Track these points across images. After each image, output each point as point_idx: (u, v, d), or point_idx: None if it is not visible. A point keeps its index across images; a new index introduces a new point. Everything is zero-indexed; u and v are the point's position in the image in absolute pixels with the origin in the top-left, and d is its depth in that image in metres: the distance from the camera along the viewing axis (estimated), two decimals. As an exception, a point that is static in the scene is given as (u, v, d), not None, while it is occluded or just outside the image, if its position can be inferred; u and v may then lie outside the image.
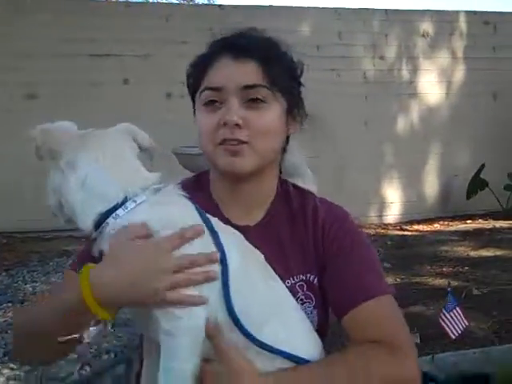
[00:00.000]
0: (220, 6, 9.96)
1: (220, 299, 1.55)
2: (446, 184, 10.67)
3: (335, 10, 10.27)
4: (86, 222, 1.64)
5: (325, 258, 1.86)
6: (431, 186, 10.62)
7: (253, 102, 1.78)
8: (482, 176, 10.11)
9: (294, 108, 1.88)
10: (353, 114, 10.10)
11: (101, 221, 1.62)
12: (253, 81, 1.77)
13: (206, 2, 20.54)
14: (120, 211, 1.61)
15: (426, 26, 10.56)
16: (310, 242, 1.88)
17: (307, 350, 1.68)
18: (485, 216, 10.27)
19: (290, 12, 10.04)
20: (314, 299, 1.85)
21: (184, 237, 1.56)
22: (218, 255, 1.58)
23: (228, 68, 1.79)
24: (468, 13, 10.76)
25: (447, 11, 10.75)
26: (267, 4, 10.14)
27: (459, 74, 10.80)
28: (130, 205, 1.61)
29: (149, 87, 9.41)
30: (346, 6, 10.35)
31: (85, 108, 8.39)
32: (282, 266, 1.78)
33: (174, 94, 9.48)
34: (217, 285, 1.55)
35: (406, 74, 10.44)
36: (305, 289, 1.85)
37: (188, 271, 1.53)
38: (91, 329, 1.56)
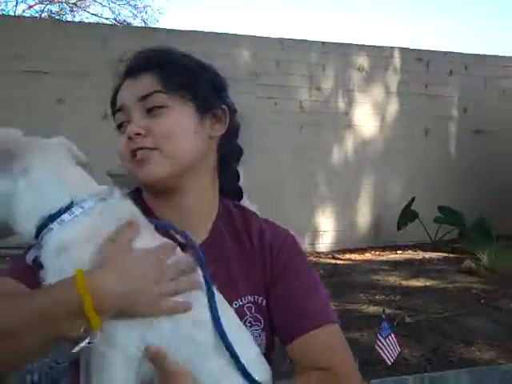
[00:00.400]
0: (155, 29, 9.91)
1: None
2: (377, 215, 10.86)
3: (274, 39, 10.39)
4: (28, 226, 1.56)
5: (272, 282, 1.83)
6: (363, 216, 10.77)
7: (153, 111, 1.75)
8: (412, 208, 10.31)
9: (207, 108, 1.82)
10: (288, 143, 10.20)
11: (43, 226, 1.54)
12: (147, 90, 1.75)
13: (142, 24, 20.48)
14: (66, 216, 1.54)
15: (362, 60, 10.79)
16: (258, 265, 1.84)
17: (259, 373, 1.61)
18: (414, 247, 10.48)
19: (229, 38, 10.12)
20: (262, 322, 1.80)
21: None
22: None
23: (126, 87, 1.79)
24: (402, 49, 11.08)
25: (383, 47, 11.05)
26: (206, 30, 10.14)
27: (393, 108, 11.07)
28: (76, 210, 1.54)
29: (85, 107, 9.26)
30: (285, 37, 10.44)
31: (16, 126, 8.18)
32: (229, 287, 1.72)
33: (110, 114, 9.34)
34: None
35: (341, 105, 10.64)
36: (253, 311, 1.79)
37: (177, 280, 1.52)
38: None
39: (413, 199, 10.28)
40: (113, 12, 21.41)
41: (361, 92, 10.77)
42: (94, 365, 1.45)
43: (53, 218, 1.53)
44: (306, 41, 10.58)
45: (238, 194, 2.08)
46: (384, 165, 10.76)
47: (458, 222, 10.36)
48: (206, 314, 1.55)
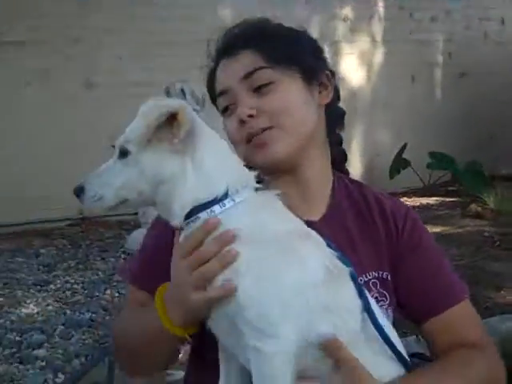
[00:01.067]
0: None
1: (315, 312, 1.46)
2: (368, 164, 10.85)
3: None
4: (180, 211, 1.52)
5: (399, 255, 1.80)
6: (354, 166, 10.74)
7: (260, 89, 1.72)
8: (404, 156, 10.35)
9: (313, 76, 1.80)
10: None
11: (193, 212, 1.51)
12: (250, 67, 1.72)
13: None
14: (216, 208, 1.51)
15: (347, 11, 10.66)
16: (382, 237, 1.81)
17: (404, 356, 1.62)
18: (408, 194, 10.54)
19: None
20: (388, 297, 1.78)
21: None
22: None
23: (225, 68, 1.76)
24: (385, -3, 10.97)
25: (365, -4, 10.90)
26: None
27: (379, 57, 10.99)
28: (228, 203, 1.51)
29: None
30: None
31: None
32: (353, 262, 1.64)
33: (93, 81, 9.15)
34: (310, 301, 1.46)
35: (328, 56, 10.48)
36: (378, 286, 1.77)
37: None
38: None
39: (404, 146, 10.28)
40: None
41: (347, 43, 10.67)
42: (252, 362, 1.43)
43: (204, 207, 1.51)
44: (288, -6, 10.38)
45: (344, 157, 2.07)
46: (373, 114, 10.74)
47: (450, 166, 10.42)
48: (356, 301, 1.54)
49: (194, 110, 5.92)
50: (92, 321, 5.31)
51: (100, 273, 6.56)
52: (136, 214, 8.73)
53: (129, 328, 1.78)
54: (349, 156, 2.09)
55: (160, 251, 1.69)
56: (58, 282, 6.30)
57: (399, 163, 10.39)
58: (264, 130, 1.70)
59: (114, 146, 1.54)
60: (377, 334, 1.54)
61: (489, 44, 11.65)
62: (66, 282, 6.31)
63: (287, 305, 1.42)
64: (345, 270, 1.55)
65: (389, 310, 1.78)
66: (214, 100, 1.86)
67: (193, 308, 1.51)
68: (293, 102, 1.74)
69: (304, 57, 1.80)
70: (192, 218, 1.51)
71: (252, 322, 1.41)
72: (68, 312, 5.51)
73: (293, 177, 1.78)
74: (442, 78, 11.46)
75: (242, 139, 1.73)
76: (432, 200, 9.91)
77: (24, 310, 5.55)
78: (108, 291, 5.99)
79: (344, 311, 1.51)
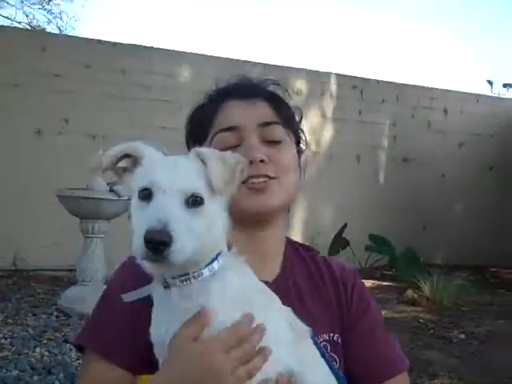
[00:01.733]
0: (99, 41, 9.59)
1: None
2: (309, 241, 10.82)
3: (214, 57, 10.29)
4: (203, 268, 1.46)
5: (349, 319, 1.83)
6: (294, 240, 10.76)
7: (272, 142, 1.76)
8: (344, 236, 10.43)
9: (298, 142, 1.89)
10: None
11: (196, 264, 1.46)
12: (268, 118, 1.77)
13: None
14: (215, 264, 1.48)
15: (300, 84, 10.86)
16: (333, 300, 1.84)
17: None
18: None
19: (172, 55, 9.94)
20: (338, 361, 1.78)
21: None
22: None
23: (241, 108, 1.78)
24: (338, 75, 11.23)
25: (320, 71, 11.17)
26: (149, 45, 9.95)
27: (328, 133, 11.22)
28: (215, 265, 1.48)
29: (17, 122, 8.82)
30: (225, 56, 10.38)
31: None
32: (307, 324, 1.64)
33: (43, 130, 9.01)
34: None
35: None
36: (329, 350, 1.77)
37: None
38: None
39: (344, 225, 10.40)
40: (27, 16, 20.51)
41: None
42: None
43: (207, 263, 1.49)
44: (248, 62, 10.54)
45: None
46: (316, 191, 10.83)
47: (388, 251, 10.57)
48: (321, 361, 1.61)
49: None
50: (19, 379, 5.01)
51: (30, 329, 6.24)
52: (70, 270, 8.51)
53: None
54: (289, 233, 2.13)
55: (137, 317, 1.59)
56: (-15, 335, 5.98)
57: (339, 243, 10.47)
58: (268, 178, 1.72)
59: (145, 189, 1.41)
60: None
61: (431, 132, 12.01)
62: (-6, 335, 5.99)
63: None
64: (307, 331, 1.59)
65: (340, 373, 1.75)
66: (191, 127, 1.86)
67: None
68: (293, 164, 1.81)
69: (295, 122, 1.89)
70: (195, 273, 1.45)
71: None
72: (-6, 368, 5.19)
73: (260, 233, 1.79)
74: (386, 161, 11.77)
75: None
76: (369, 282, 9.95)
77: None
78: (37, 349, 5.69)
79: (310, 370, 1.54)
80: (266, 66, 10.67)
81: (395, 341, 1.88)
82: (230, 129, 1.75)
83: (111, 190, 6.96)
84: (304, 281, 1.84)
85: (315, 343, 1.61)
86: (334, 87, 11.17)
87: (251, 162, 1.67)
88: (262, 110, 1.77)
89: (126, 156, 1.48)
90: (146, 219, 1.33)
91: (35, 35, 11.34)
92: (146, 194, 1.40)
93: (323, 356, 1.62)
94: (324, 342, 1.74)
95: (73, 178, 7.66)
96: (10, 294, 7.64)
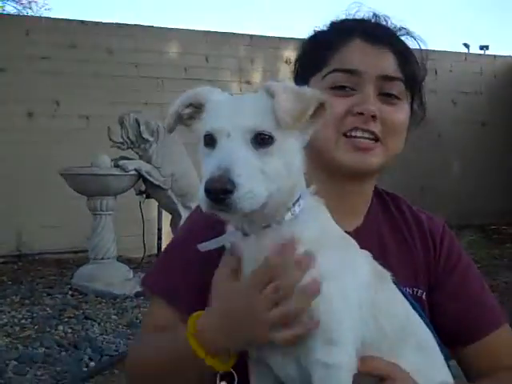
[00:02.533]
0: (82, 21, 9.40)
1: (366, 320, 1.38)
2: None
3: (203, 32, 10.16)
4: (289, 207, 1.36)
5: (437, 274, 1.73)
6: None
7: (387, 97, 1.62)
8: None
9: (412, 107, 1.73)
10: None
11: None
12: (393, 72, 1.63)
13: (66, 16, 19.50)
14: (296, 207, 1.38)
15: (289, 53, 10.76)
16: (420, 253, 1.74)
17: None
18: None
19: (157, 32, 9.82)
20: (423, 316, 1.65)
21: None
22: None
23: (365, 53, 1.62)
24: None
25: (308, 40, 11.03)
26: (134, 23, 9.77)
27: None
28: (297, 208, 1.37)
29: (7, 105, 8.65)
30: (213, 30, 10.26)
31: None
32: None
33: (35, 113, 8.86)
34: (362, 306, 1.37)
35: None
36: None
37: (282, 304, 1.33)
38: None
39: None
40: (-5, 7, 20.11)
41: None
42: (318, 377, 1.31)
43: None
44: (233, 34, 10.43)
45: None
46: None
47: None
48: (401, 305, 1.50)
49: (148, 141, 5.71)
50: (47, 356, 4.93)
51: (48, 308, 6.18)
52: (74, 252, 8.42)
53: (150, 356, 1.60)
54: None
55: (204, 265, 1.51)
56: (4, 316, 5.90)
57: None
58: (373, 135, 1.60)
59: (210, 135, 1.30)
60: (425, 338, 1.51)
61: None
62: (13, 316, 5.91)
63: (352, 315, 1.34)
64: (388, 275, 1.49)
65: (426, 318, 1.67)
66: (304, 54, 1.74)
67: (256, 342, 1.37)
68: (404, 127, 1.68)
69: (419, 85, 1.75)
70: (278, 218, 1.35)
71: (325, 334, 1.31)
72: (20, 347, 5.11)
73: (355, 187, 1.70)
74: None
75: (339, 127, 1.60)
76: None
77: (-30, 344, 5.13)
78: (60, 327, 5.64)
79: (389, 315, 1.44)
80: (253, 37, 10.56)
81: (490, 293, 1.77)
82: (348, 71, 1.61)
83: (116, 166, 6.87)
84: (388, 234, 1.75)
85: (398, 289, 1.52)
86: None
87: (361, 114, 1.57)
88: (388, 61, 1.63)
89: (190, 105, 1.38)
90: (209, 168, 1.22)
91: (17, 19, 11.09)
92: (211, 140, 1.28)
93: (407, 299, 1.53)
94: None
95: (72, 158, 7.58)
96: (19, 277, 7.56)
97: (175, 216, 7.36)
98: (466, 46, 13.67)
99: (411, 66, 1.67)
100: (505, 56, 13.11)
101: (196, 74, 9.88)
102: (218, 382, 1.44)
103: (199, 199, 1.22)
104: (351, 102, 1.59)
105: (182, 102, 1.37)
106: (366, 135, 1.59)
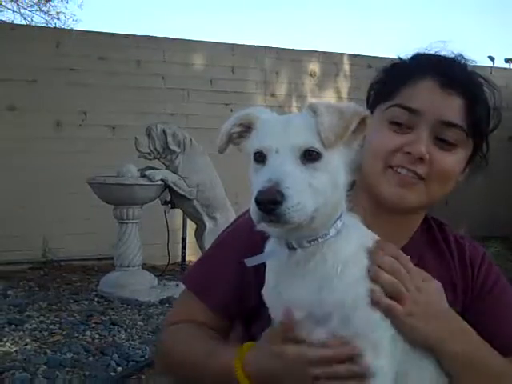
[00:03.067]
0: (112, 34, 9.56)
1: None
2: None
3: (229, 45, 10.27)
4: (334, 223, 1.44)
5: (472, 299, 1.77)
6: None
7: (442, 141, 1.65)
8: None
9: (476, 156, 1.77)
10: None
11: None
12: (454, 119, 1.64)
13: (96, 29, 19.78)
14: (339, 223, 1.47)
15: (314, 66, 10.85)
16: (459, 278, 1.78)
17: None
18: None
19: (184, 45, 9.94)
20: None
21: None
22: None
23: (432, 94, 1.65)
24: (351, 56, 11.20)
25: (333, 53, 11.14)
26: (162, 35, 9.91)
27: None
28: (338, 223, 1.47)
29: (36, 115, 8.82)
30: (240, 42, 10.36)
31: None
32: None
33: (63, 122, 9.02)
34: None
35: (295, 110, 10.62)
36: None
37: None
38: None
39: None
40: (25, 18, 20.42)
41: (313, 97, 10.81)
42: None
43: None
44: (259, 47, 10.53)
45: None
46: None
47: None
48: None
49: (175, 151, 5.83)
50: (75, 361, 5.03)
51: (76, 314, 6.29)
52: (99, 259, 8.54)
53: (186, 358, 1.73)
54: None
55: (244, 275, 1.67)
56: (33, 321, 6.01)
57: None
58: (417, 176, 1.65)
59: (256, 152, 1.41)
60: None
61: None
62: (41, 322, 6.02)
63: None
64: None
65: None
66: (378, 82, 1.80)
67: None
68: (453, 173, 1.70)
69: (486, 135, 1.76)
70: (321, 234, 1.43)
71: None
72: (48, 352, 5.22)
73: (396, 220, 1.74)
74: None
75: (387, 160, 1.66)
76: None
77: (1, 348, 5.25)
78: (87, 332, 5.75)
79: None
80: (278, 50, 10.65)
81: None
82: (408, 109, 1.65)
83: (143, 176, 6.98)
84: (431, 257, 1.80)
85: None
86: (347, 67, 11.14)
87: (409, 153, 1.62)
88: (453, 107, 1.64)
89: (240, 125, 1.48)
90: (260, 181, 1.31)
91: (49, 31, 11.29)
92: (261, 157, 1.38)
93: None
94: None
95: (99, 167, 7.73)
96: (46, 283, 7.68)
97: (200, 226, 7.46)
98: (491, 58, 13.58)
99: (479, 115, 1.67)
100: (530, 69, 13.08)
101: (221, 86, 10.01)
102: None
103: (251, 212, 1.31)
104: (404, 140, 1.64)
105: (234, 121, 1.48)
106: (411, 174, 1.65)
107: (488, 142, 1.77)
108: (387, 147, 1.65)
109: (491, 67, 12.60)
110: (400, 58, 1.80)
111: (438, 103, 1.64)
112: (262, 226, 1.41)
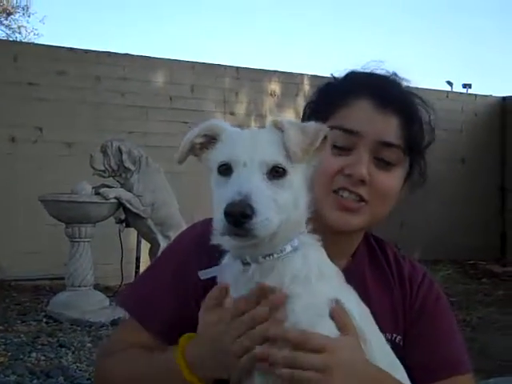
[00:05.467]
0: (71, 49, 9.48)
1: None
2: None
3: (190, 63, 10.27)
4: (283, 246, 1.43)
5: (410, 319, 1.76)
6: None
7: (382, 162, 1.66)
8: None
9: (414, 173, 1.78)
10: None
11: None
12: (392, 139, 1.65)
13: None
14: (295, 240, 1.46)
15: (274, 86, 10.89)
16: (398, 298, 1.78)
17: None
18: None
19: (144, 62, 9.91)
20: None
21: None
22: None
23: (368, 114, 1.66)
24: (312, 76, 11.26)
25: (293, 73, 11.20)
26: (123, 52, 9.88)
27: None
28: (295, 241, 1.46)
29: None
30: (201, 61, 10.37)
31: None
32: None
33: (18, 138, 8.88)
34: None
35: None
36: None
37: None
38: None
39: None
40: (-15, 32, 20.18)
41: (273, 117, 10.82)
42: None
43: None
44: (219, 65, 10.54)
45: None
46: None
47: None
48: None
49: (130, 169, 5.77)
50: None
51: (22, 335, 6.14)
52: (51, 279, 8.39)
53: (128, 373, 1.66)
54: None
55: (183, 288, 1.65)
56: (-22, 342, 5.84)
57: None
58: (360, 198, 1.65)
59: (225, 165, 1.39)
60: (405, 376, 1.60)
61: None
62: (-14, 343, 5.86)
63: None
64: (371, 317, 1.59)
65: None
66: (312, 103, 1.79)
67: (229, 371, 1.46)
68: (394, 192, 1.71)
69: (422, 152, 1.77)
70: (278, 250, 1.43)
71: None
72: (-9, 374, 5.07)
73: (339, 240, 1.73)
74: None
75: (329, 184, 1.65)
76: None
77: None
78: (33, 354, 5.59)
79: (381, 350, 1.55)
80: (238, 69, 10.67)
81: (461, 343, 1.78)
82: (348, 131, 1.65)
83: (97, 193, 6.90)
84: (372, 277, 1.79)
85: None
86: (307, 87, 11.21)
87: (350, 175, 1.63)
88: (390, 127, 1.65)
89: (204, 136, 1.47)
90: (227, 193, 1.30)
91: (6, 44, 11.15)
92: (226, 169, 1.37)
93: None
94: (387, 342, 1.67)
95: (51, 184, 7.61)
96: (-6, 303, 7.51)
97: (154, 245, 7.37)
98: (450, 83, 13.82)
99: (415, 132, 1.69)
100: (485, 95, 13.32)
101: (181, 104, 9.98)
102: None
103: (215, 224, 1.32)
104: (344, 162, 1.64)
105: (199, 131, 1.46)
106: (353, 197, 1.64)
107: (424, 158, 1.78)
108: (328, 171, 1.64)
109: (448, 91, 12.82)
110: (334, 77, 1.80)
111: (375, 123, 1.64)
112: (223, 240, 1.42)
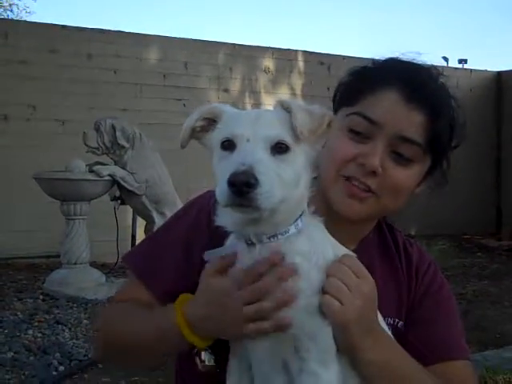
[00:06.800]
0: (63, 26, 9.40)
1: None
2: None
3: (183, 40, 10.20)
4: (294, 220, 1.44)
5: (413, 303, 1.77)
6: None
7: (399, 156, 1.62)
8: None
9: (436, 169, 1.73)
10: (196, 144, 10.02)
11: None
12: (413, 135, 1.61)
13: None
14: (299, 222, 1.46)
15: (268, 62, 10.85)
16: (404, 285, 1.78)
17: None
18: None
19: (137, 39, 9.84)
20: None
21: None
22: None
23: (394, 107, 1.61)
24: (306, 52, 11.22)
25: (287, 50, 11.14)
26: (115, 29, 9.79)
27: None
28: (299, 222, 1.45)
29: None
30: (194, 37, 10.32)
31: None
32: None
33: (11, 116, 8.84)
34: None
35: (248, 107, 10.60)
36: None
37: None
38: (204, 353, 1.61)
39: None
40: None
41: (267, 93, 10.81)
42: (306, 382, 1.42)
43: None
44: (213, 42, 10.48)
45: None
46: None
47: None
48: None
49: (123, 147, 5.75)
50: (15, 360, 4.91)
51: (19, 313, 6.14)
52: (47, 257, 8.39)
53: (126, 326, 1.67)
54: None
55: (188, 256, 1.64)
56: (-26, 320, 5.85)
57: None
58: (368, 189, 1.62)
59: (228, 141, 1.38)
60: None
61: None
62: (-18, 320, 5.86)
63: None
64: None
65: None
66: (342, 85, 1.74)
67: (235, 336, 1.47)
68: (407, 187, 1.68)
69: (447, 151, 1.73)
70: (283, 230, 1.42)
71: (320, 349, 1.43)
72: (-13, 351, 5.08)
73: (349, 228, 1.72)
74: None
75: (341, 169, 1.63)
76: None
77: None
78: (30, 331, 5.61)
79: None
80: (233, 45, 10.62)
81: (459, 331, 1.78)
82: (369, 120, 1.61)
83: (91, 171, 6.88)
84: (380, 263, 1.78)
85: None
86: (301, 64, 11.17)
87: (363, 165, 1.60)
88: (413, 123, 1.60)
89: (204, 119, 1.46)
90: (230, 165, 1.29)
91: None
92: (229, 145, 1.37)
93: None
94: (388, 326, 1.66)
95: (47, 162, 7.59)
96: (-10, 281, 7.53)
97: (149, 222, 7.38)
98: (445, 59, 13.78)
99: (439, 132, 1.63)
100: (480, 70, 13.30)
101: (174, 81, 9.94)
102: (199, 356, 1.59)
103: (218, 195, 1.29)
104: (360, 150, 1.61)
105: (198, 115, 1.45)
106: (362, 186, 1.61)
107: (449, 159, 1.74)
108: (342, 156, 1.62)
109: (443, 67, 12.77)
110: (373, 62, 1.74)
111: (399, 117, 1.60)
112: (226, 219, 1.42)
